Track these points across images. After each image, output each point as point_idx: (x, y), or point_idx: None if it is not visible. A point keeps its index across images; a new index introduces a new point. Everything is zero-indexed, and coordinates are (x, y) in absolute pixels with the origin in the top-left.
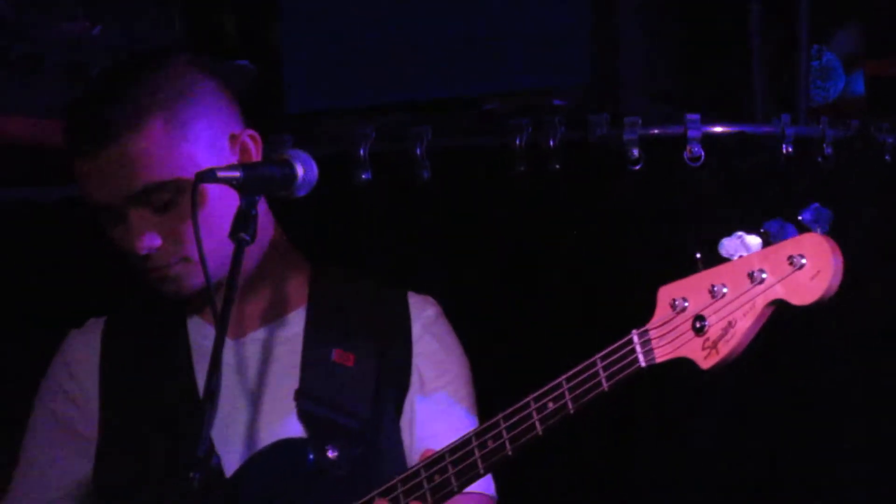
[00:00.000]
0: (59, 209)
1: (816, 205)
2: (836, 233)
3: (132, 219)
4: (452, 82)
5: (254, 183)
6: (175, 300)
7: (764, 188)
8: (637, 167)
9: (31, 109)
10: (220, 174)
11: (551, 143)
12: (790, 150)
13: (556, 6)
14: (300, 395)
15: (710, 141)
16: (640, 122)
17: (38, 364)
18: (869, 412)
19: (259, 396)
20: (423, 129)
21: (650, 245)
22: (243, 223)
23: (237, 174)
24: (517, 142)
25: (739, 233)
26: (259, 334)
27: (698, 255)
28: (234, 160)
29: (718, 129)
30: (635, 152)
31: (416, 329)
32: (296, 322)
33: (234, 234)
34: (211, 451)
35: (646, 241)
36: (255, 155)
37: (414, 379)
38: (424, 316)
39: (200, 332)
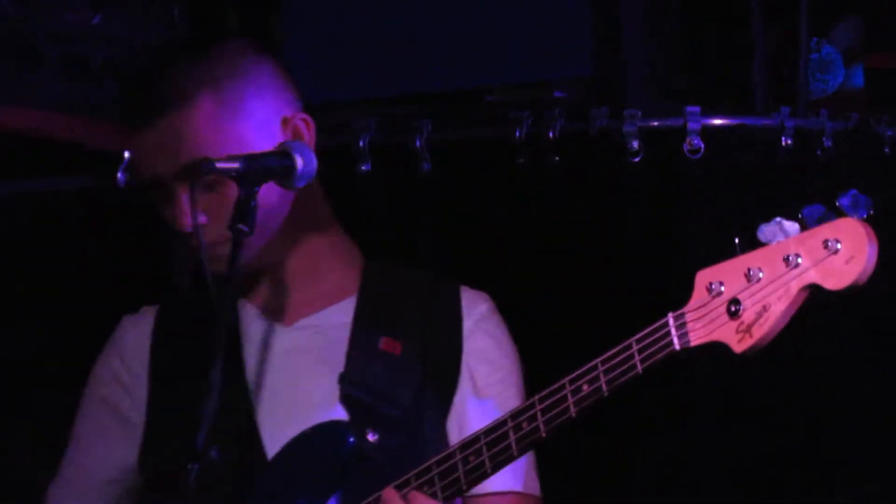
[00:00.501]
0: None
1: (854, 191)
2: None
3: (179, 196)
4: (454, 74)
5: (253, 174)
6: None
7: (766, 180)
8: (637, 159)
9: (31, 100)
10: (219, 165)
11: (551, 135)
12: (790, 142)
13: None
14: (344, 380)
15: (710, 133)
16: (639, 114)
17: (93, 350)
18: (874, 408)
19: (305, 381)
20: (423, 122)
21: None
22: (242, 214)
23: (236, 165)
24: (517, 134)
25: (778, 218)
26: (309, 321)
27: (737, 240)
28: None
29: (718, 121)
30: (635, 144)
31: (468, 325)
32: (346, 310)
33: (232, 226)
34: (209, 442)
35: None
36: (308, 138)
37: (464, 376)
38: (476, 312)
39: (252, 321)
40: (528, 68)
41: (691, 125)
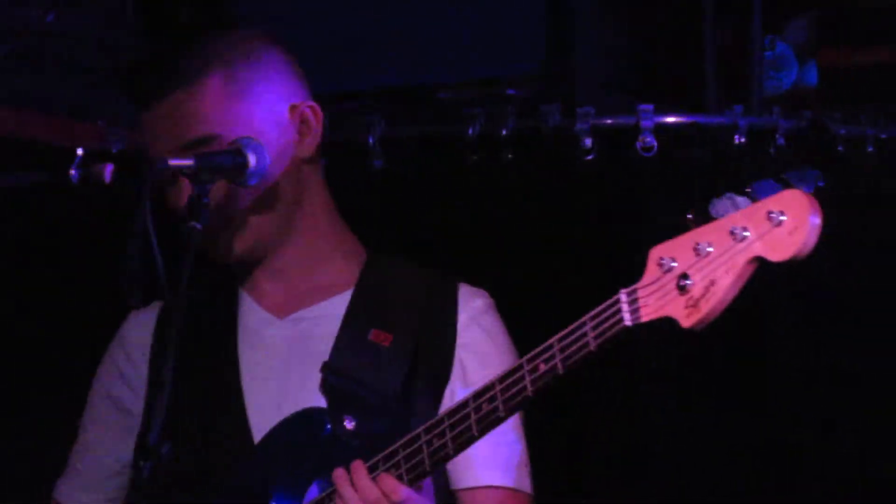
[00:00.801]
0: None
1: (803, 165)
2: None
3: (180, 176)
4: (406, 71)
5: (206, 171)
6: (223, 265)
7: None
8: (590, 157)
9: None
10: (172, 162)
11: (503, 132)
12: (743, 140)
13: None
14: (326, 368)
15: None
16: (592, 112)
17: (103, 344)
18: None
19: (295, 372)
20: (375, 118)
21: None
22: (195, 211)
23: (189, 162)
24: (469, 131)
25: (729, 193)
26: (304, 314)
27: (689, 216)
28: (292, 129)
29: (671, 119)
30: (588, 142)
31: (463, 319)
32: (341, 304)
33: (185, 223)
34: (162, 439)
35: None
36: (315, 125)
37: (456, 368)
38: (472, 307)
39: (249, 312)
40: (481, 65)
41: (644, 123)
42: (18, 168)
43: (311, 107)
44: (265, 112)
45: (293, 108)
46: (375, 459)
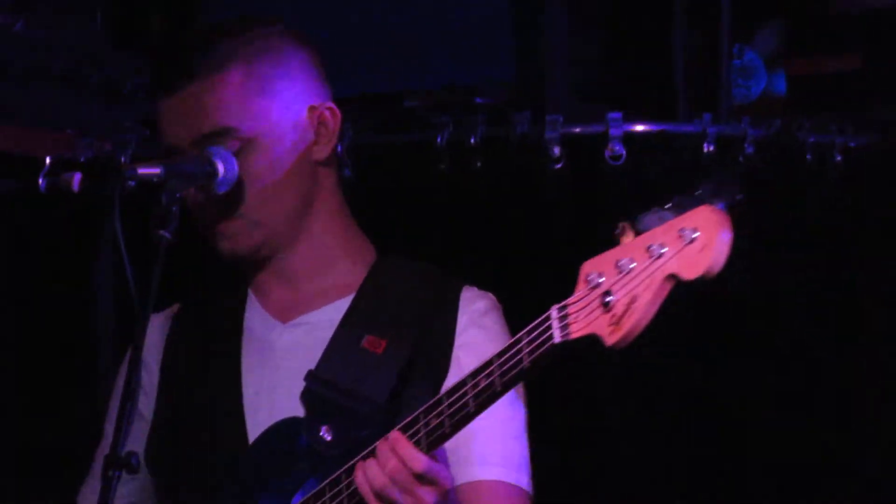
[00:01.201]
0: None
1: (720, 177)
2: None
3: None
4: (375, 78)
5: (174, 179)
6: (232, 261)
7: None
8: (559, 165)
9: None
10: (141, 171)
11: (472, 140)
12: (712, 148)
13: (480, 3)
14: (309, 377)
15: (632, 139)
16: (561, 120)
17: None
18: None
19: (287, 378)
20: (343, 126)
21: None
22: (164, 220)
23: (157, 171)
24: (438, 139)
25: (656, 207)
26: (305, 318)
27: (617, 231)
28: (310, 130)
29: (640, 127)
30: (556, 150)
31: (462, 321)
32: (339, 309)
33: (153, 231)
34: (129, 451)
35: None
36: (333, 127)
37: (452, 368)
38: (472, 309)
39: (256, 317)
40: (450, 73)
41: (613, 131)
42: None
43: (330, 109)
44: (283, 110)
45: (312, 108)
46: (394, 430)
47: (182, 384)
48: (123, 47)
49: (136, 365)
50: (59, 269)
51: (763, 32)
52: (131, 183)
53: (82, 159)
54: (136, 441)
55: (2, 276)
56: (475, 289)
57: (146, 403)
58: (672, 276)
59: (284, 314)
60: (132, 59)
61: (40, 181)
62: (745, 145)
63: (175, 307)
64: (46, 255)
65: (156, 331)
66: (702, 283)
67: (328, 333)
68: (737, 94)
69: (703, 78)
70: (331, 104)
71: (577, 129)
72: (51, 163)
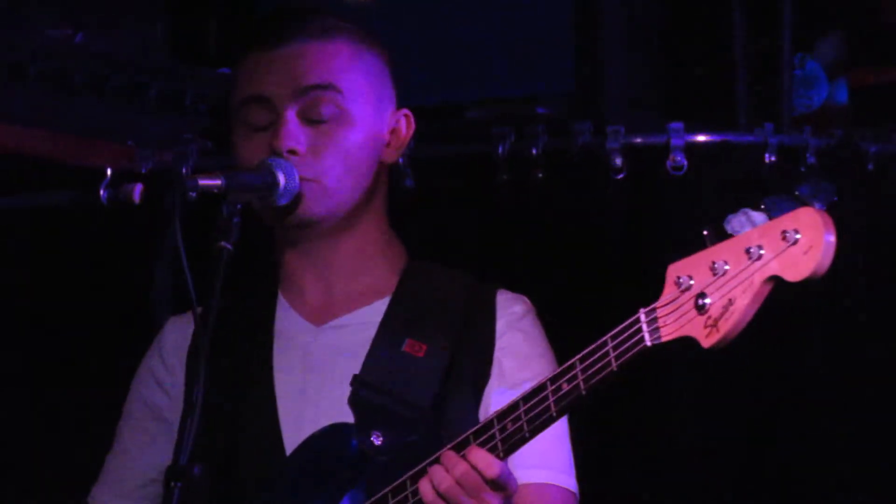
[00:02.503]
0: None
1: (816, 178)
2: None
3: (286, 116)
4: (436, 89)
5: (236, 190)
6: (298, 227)
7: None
8: (620, 176)
9: (14, 117)
10: (202, 181)
11: (534, 151)
12: (773, 159)
13: (540, 14)
14: (356, 381)
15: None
16: (622, 130)
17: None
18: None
19: (329, 382)
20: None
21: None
22: (225, 231)
23: (219, 182)
24: (499, 150)
25: (744, 208)
26: (340, 321)
27: (705, 232)
28: (387, 131)
29: (701, 137)
30: (618, 161)
31: (500, 325)
32: (377, 312)
33: (214, 243)
34: (193, 460)
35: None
36: (405, 135)
37: (495, 371)
38: (510, 312)
39: (286, 319)
40: (510, 83)
41: (674, 141)
42: (49, 188)
43: (406, 116)
44: (378, 101)
45: (393, 112)
46: (465, 435)
47: (210, 392)
48: (184, 59)
49: (199, 377)
50: (120, 281)
51: (825, 42)
52: (192, 194)
53: (143, 171)
54: (160, 444)
55: (64, 288)
56: (509, 292)
57: (170, 406)
58: (773, 278)
59: (317, 317)
60: (192, 70)
61: (101, 193)
62: (807, 155)
63: (198, 309)
64: (107, 266)
65: (176, 334)
66: (804, 285)
67: (365, 336)
68: (798, 104)
69: (764, 88)
70: (408, 112)
71: (639, 140)
72: (112, 174)
